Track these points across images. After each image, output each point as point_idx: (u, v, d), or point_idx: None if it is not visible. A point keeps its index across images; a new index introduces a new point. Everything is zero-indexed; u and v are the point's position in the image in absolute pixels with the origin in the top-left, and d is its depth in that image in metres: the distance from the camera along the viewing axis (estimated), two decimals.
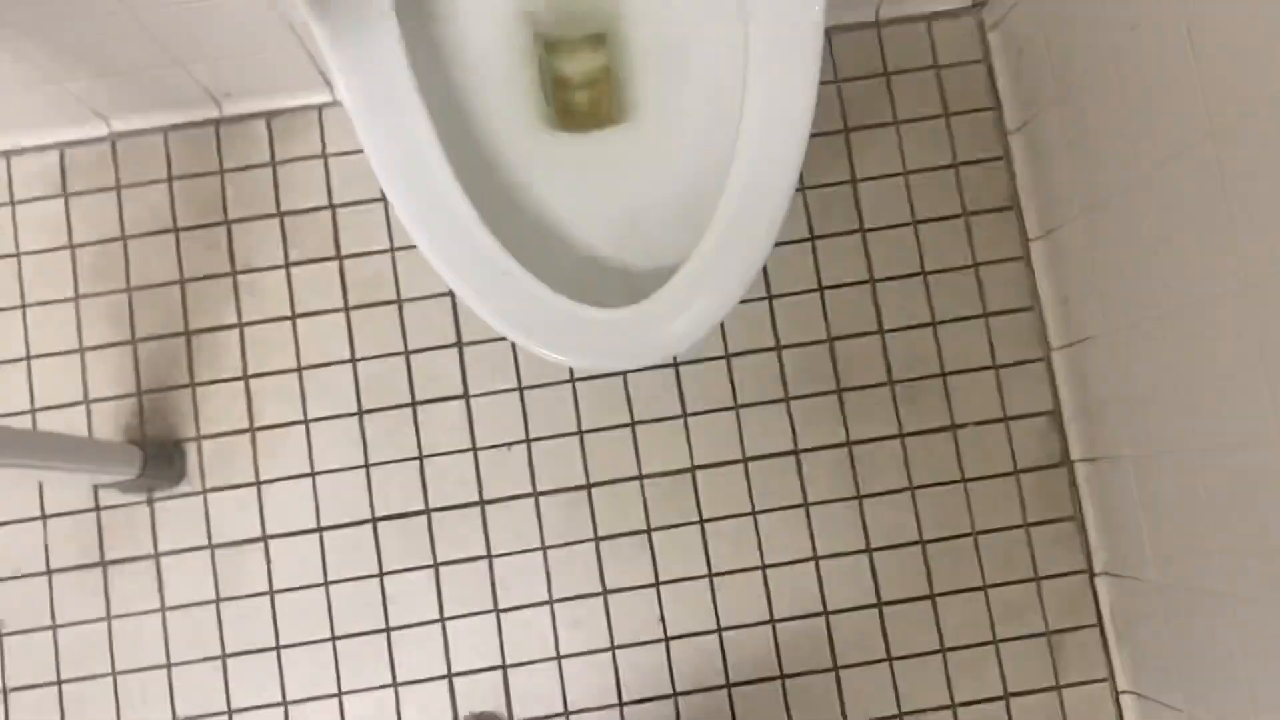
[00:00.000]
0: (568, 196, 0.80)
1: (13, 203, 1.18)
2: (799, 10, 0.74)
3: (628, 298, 0.75)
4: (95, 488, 1.14)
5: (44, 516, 1.14)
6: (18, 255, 1.17)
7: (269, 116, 1.19)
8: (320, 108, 1.19)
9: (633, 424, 1.15)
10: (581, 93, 0.88)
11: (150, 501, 1.14)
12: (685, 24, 0.84)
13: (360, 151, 1.15)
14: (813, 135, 1.15)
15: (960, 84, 1.21)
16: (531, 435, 1.15)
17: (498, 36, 0.82)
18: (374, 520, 1.14)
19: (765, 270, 1.17)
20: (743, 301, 1.05)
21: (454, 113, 0.79)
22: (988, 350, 1.17)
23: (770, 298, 1.17)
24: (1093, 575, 1.14)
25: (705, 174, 0.81)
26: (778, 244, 0.77)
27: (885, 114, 1.20)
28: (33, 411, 1.15)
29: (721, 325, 1.17)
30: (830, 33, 1.20)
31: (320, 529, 1.14)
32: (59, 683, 1.12)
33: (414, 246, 1.13)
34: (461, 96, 0.80)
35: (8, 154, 1.19)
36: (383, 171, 0.71)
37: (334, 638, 1.13)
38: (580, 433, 1.15)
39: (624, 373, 1.15)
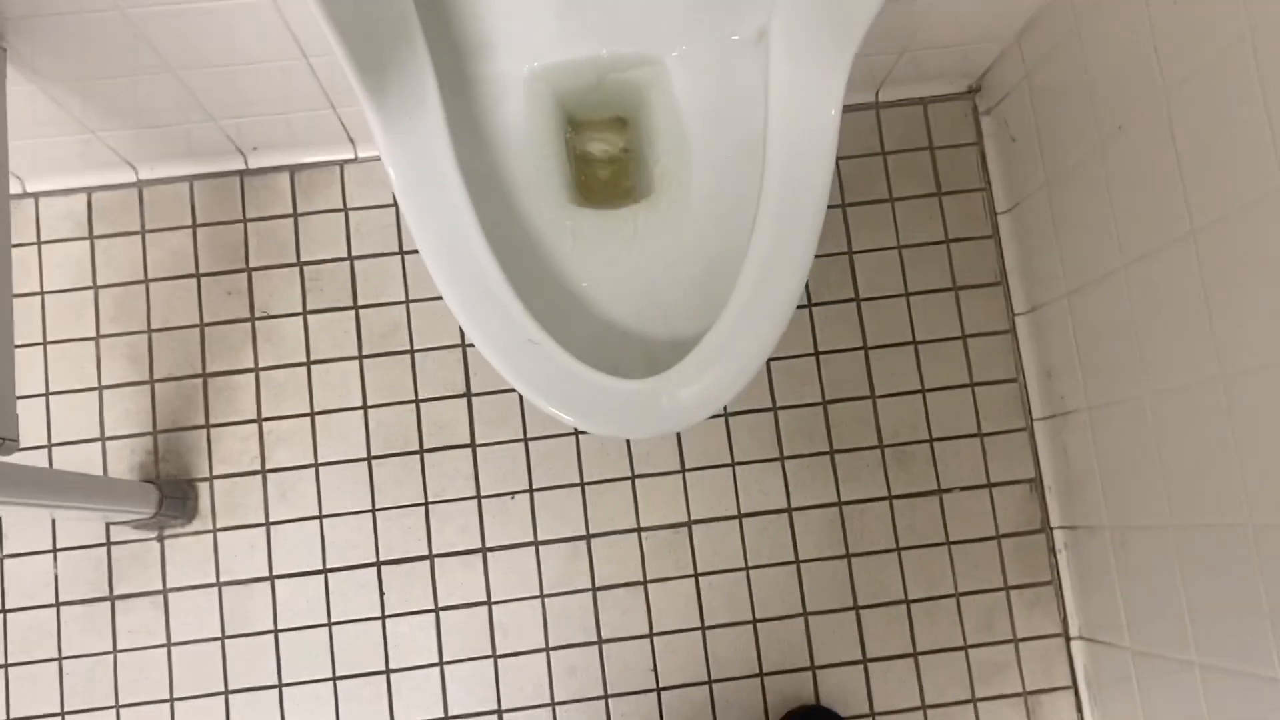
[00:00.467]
0: (591, 269, 0.85)
1: (39, 242, 1.22)
2: (817, 106, 0.79)
3: (646, 368, 0.79)
4: (108, 524, 1.17)
5: (55, 550, 1.17)
6: (41, 294, 1.21)
7: (293, 170, 1.24)
8: (342, 164, 1.24)
9: (633, 478, 1.20)
10: (605, 170, 0.93)
11: (161, 538, 1.17)
12: (707, 110, 0.89)
13: (379, 207, 1.21)
14: None
15: (954, 165, 1.27)
16: (534, 485, 1.20)
17: (530, 117, 0.88)
18: (378, 564, 1.18)
19: None
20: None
21: (489, 187, 0.84)
22: (974, 419, 1.22)
23: (769, 360, 1.22)
24: (1069, 639, 1.19)
25: (723, 252, 0.86)
26: None
27: (882, 191, 1.26)
28: (49, 447, 1.18)
29: None
30: None
31: (326, 570, 1.17)
32: (62, 713, 1.14)
33: (430, 299, 1.19)
34: (496, 172, 0.85)
35: (37, 195, 1.23)
36: (423, 240, 0.76)
37: (335, 678, 1.16)
38: (582, 484, 1.20)
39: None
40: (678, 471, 1.20)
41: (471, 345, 1.14)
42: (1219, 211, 0.84)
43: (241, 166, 1.24)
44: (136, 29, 0.93)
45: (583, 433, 1.21)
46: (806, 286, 1.23)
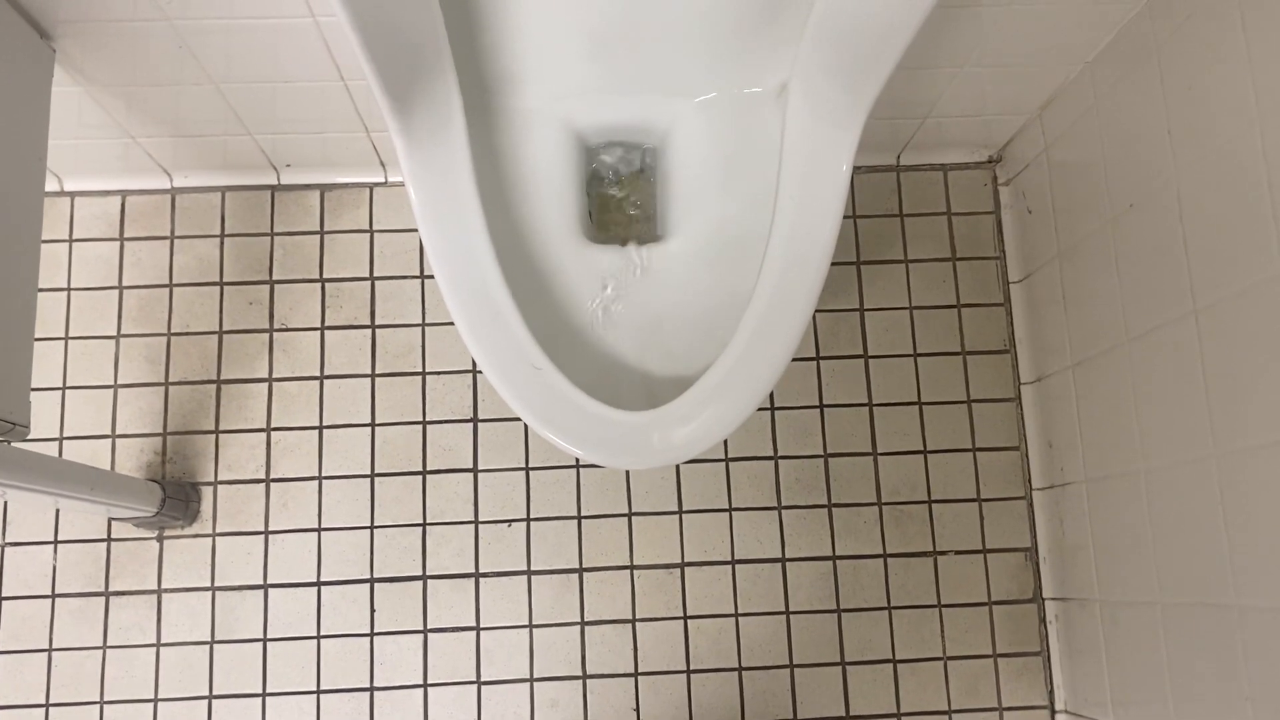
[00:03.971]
0: (599, 303, 0.87)
1: (71, 240, 1.25)
2: (829, 162, 0.82)
3: (646, 402, 0.81)
4: (110, 519, 1.18)
5: (56, 542, 1.19)
6: (68, 290, 1.24)
7: (323, 189, 1.27)
8: (372, 186, 1.27)
9: (630, 514, 1.21)
10: (620, 211, 0.96)
11: (161, 538, 1.19)
12: (724, 158, 0.92)
13: (405, 231, 1.24)
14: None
15: (970, 231, 1.29)
16: (532, 515, 1.21)
17: (552, 152, 0.90)
18: (372, 580, 1.19)
19: None
20: None
21: (506, 215, 0.87)
22: (974, 483, 1.23)
23: (773, 409, 1.24)
24: (1054, 712, 1.18)
25: (728, 296, 0.88)
26: None
27: (897, 252, 1.28)
28: (60, 440, 1.21)
29: None
30: (854, 172, 1.29)
31: (320, 583, 1.18)
32: (47, 705, 1.15)
33: (445, 324, 1.21)
34: (514, 201, 0.88)
35: (73, 195, 1.26)
36: (436, 260, 0.78)
37: (319, 691, 1.16)
38: (579, 517, 1.21)
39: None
40: (675, 512, 1.21)
41: (482, 373, 1.16)
42: (1221, 293, 0.86)
43: (274, 182, 1.27)
44: (183, 40, 0.97)
45: (585, 465, 1.22)
46: (815, 339, 1.25)
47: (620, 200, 0.97)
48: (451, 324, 1.21)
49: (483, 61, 0.88)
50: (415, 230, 1.26)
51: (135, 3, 0.91)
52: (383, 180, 1.27)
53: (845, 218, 1.28)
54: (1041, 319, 1.22)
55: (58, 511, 1.19)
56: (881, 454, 1.23)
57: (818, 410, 1.24)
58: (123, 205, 1.26)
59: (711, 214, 0.91)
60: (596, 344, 0.87)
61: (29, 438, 0.93)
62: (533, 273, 0.86)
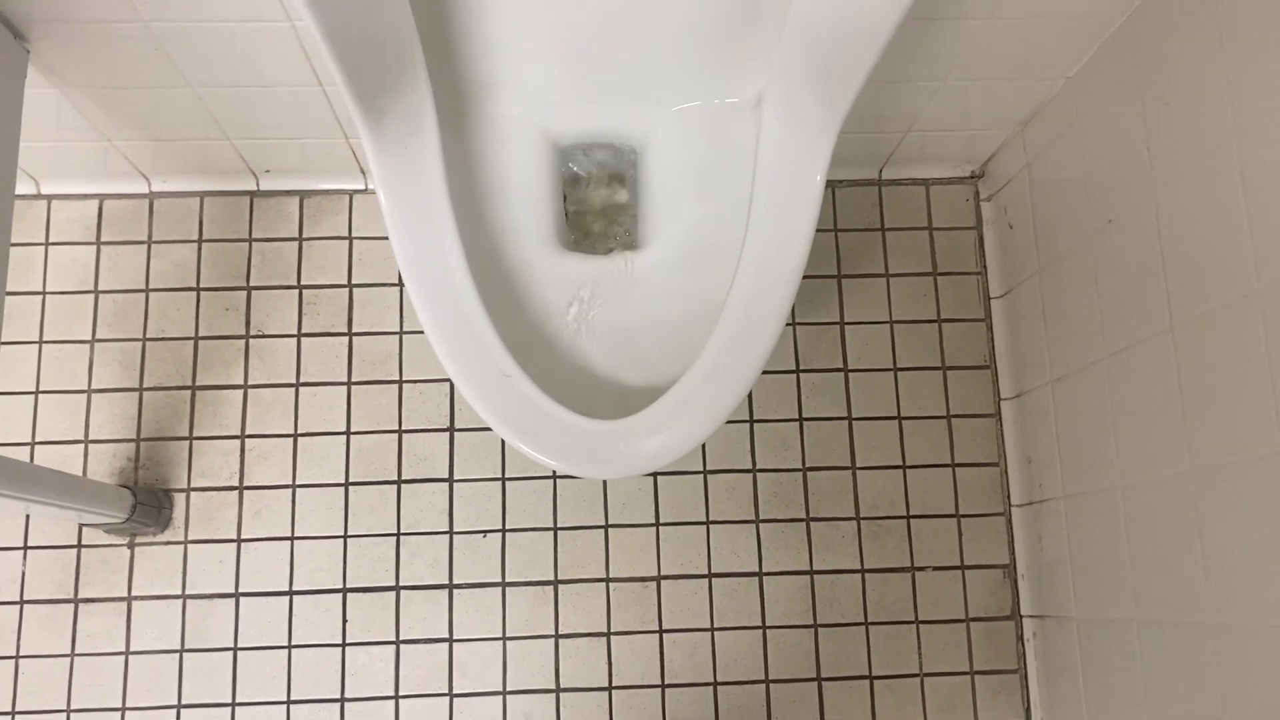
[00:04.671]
0: (573, 311, 0.86)
1: (47, 244, 1.24)
2: (802, 172, 0.81)
3: (619, 411, 0.80)
4: (80, 526, 1.17)
5: (26, 547, 1.17)
6: (43, 294, 1.23)
7: (303, 195, 1.26)
8: (352, 194, 1.26)
9: (606, 526, 1.20)
10: (597, 219, 0.95)
11: (132, 545, 1.17)
12: (700, 168, 0.91)
13: (383, 238, 1.23)
14: (808, 277, 1.23)
15: (951, 247, 1.29)
16: (507, 526, 1.20)
17: (527, 159, 0.90)
18: (344, 590, 1.17)
19: (750, 395, 1.23)
20: (726, 421, 1.10)
21: (479, 221, 0.86)
22: (952, 499, 1.22)
23: (752, 421, 1.23)
24: None
25: (702, 307, 0.87)
26: (765, 371, 0.83)
27: (878, 265, 1.28)
28: (32, 444, 1.19)
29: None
30: (835, 185, 1.29)
31: (291, 592, 1.17)
32: (13, 713, 1.14)
33: (422, 332, 1.20)
34: (487, 208, 0.87)
35: (50, 198, 1.25)
36: (406, 266, 0.77)
37: (289, 701, 1.15)
38: (555, 529, 1.20)
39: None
40: (652, 525, 1.20)
41: None
42: (1199, 309, 0.85)
43: (253, 187, 1.26)
44: (159, 43, 0.96)
45: (561, 477, 1.21)
46: (795, 352, 1.24)
47: (598, 210, 0.96)
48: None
49: (457, 68, 0.87)
50: None
51: (111, 4, 0.91)
52: (363, 187, 1.27)
53: (826, 231, 1.28)
54: (1022, 334, 1.21)
55: (28, 517, 1.18)
56: (860, 468, 1.23)
57: (797, 423, 1.24)
58: (100, 209, 1.26)
59: (689, 223, 0.91)
60: (571, 353, 0.86)
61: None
62: (506, 280, 0.86)
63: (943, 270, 1.28)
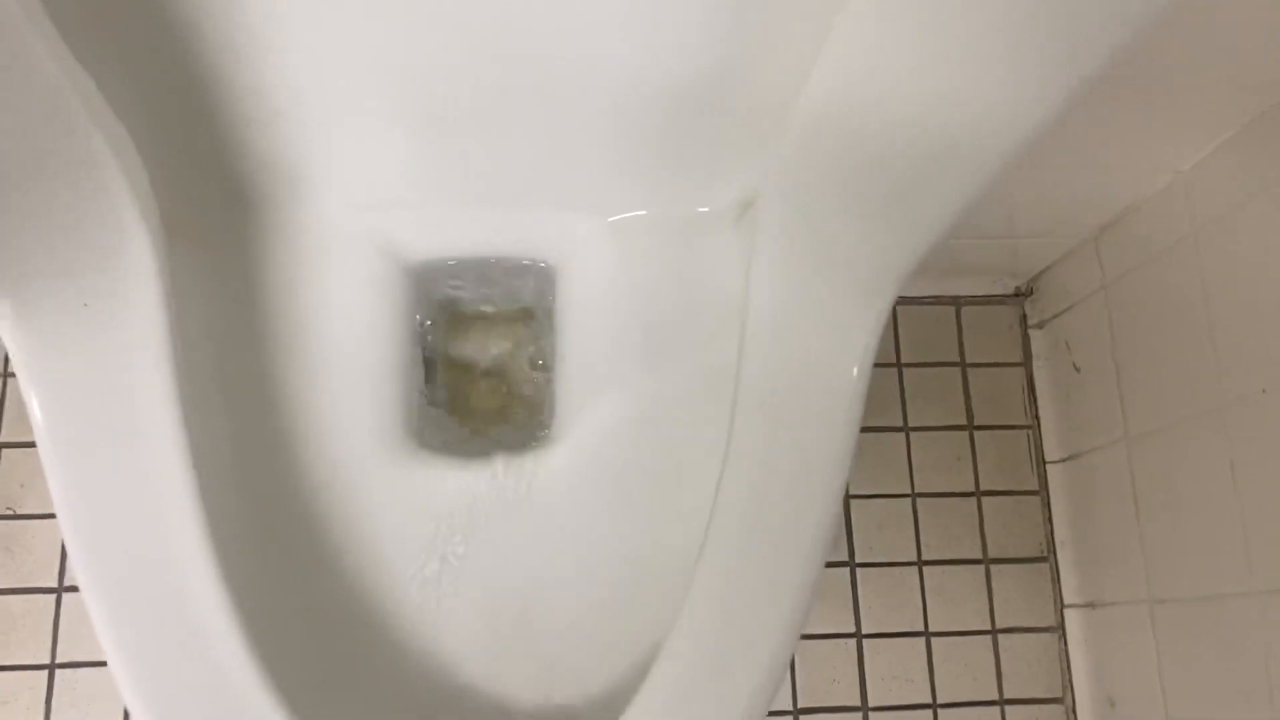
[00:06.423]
0: (425, 569, 0.50)
1: None
2: (827, 349, 0.46)
3: None
4: None
5: None
6: None
7: None
8: None
9: None
10: (485, 393, 0.59)
11: None
12: (650, 315, 0.56)
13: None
14: None
15: (991, 390, 0.95)
16: None
17: (354, 293, 0.54)
18: None
19: None
20: None
21: (257, 415, 0.50)
22: None
23: None
24: None
25: (652, 550, 0.52)
26: None
27: (895, 416, 0.94)
28: None
29: None
30: None
31: None
32: None
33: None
34: (277, 387, 0.50)
35: None
36: (76, 536, 0.40)
37: None
38: None
39: None
40: None
41: None
42: None
43: None
44: None
45: None
46: None
47: (483, 375, 0.60)
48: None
49: (237, 138, 0.51)
50: None
51: None
52: None
53: None
54: (1095, 519, 0.87)
55: None
56: (873, 710, 0.87)
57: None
58: None
59: (629, 405, 0.55)
60: (418, 639, 0.50)
61: None
62: (294, 518, 0.49)
63: (980, 423, 0.94)
